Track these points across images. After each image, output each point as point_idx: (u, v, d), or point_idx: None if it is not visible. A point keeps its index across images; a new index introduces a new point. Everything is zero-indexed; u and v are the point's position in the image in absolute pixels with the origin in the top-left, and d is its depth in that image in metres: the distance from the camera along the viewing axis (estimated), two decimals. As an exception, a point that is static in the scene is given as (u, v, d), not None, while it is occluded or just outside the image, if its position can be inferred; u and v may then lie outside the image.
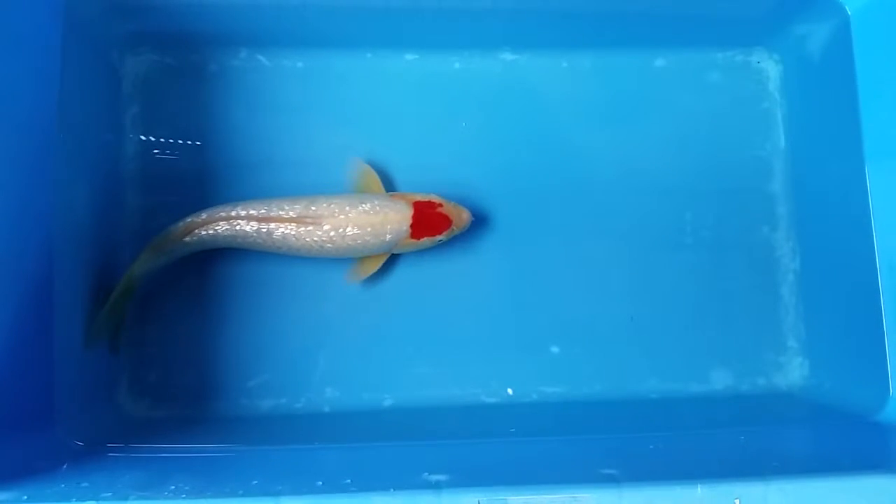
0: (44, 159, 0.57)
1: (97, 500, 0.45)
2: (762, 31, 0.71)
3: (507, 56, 0.71)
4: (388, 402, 0.66)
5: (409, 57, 0.71)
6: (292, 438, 0.62)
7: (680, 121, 0.72)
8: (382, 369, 0.67)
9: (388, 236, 0.62)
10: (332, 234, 0.61)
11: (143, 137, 0.68)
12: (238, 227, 0.62)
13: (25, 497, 0.45)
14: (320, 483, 0.46)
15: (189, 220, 0.62)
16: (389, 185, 0.68)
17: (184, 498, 0.45)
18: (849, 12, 0.65)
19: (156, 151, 0.68)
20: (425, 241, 0.63)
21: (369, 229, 0.61)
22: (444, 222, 0.63)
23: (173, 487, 0.46)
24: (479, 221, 0.69)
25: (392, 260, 0.67)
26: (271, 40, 0.69)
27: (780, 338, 0.70)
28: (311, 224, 0.61)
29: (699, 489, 0.45)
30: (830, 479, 0.46)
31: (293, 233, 0.61)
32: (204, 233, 0.62)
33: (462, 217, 0.64)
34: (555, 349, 0.68)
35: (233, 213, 0.62)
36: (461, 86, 0.71)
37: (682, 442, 0.59)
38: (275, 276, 0.67)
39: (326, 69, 0.70)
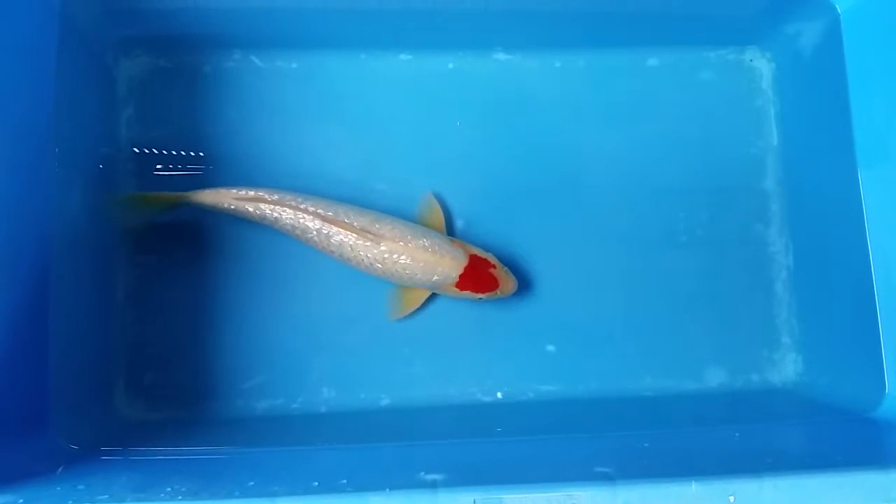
0: (39, 161, 0.57)
1: (93, 502, 0.45)
2: (754, 30, 0.72)
3: (501, 56, 0.71)
4: (384, 402, 0.67)
5: (403, 57, 0.71)
6: (289, 439, 0.62)
7: (673, 119, 0.72)
8: (379, 369, 0.67)
9: (436, 277, 0.63)
10: (385, 255, 0.62)
11: (137, 139, 0.68)
12: (301, 221, 0.62)
13: (21, 500, 0.45)
14: (316, 484, 0.46)
15: (261, 193, 0.63)
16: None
17: (180, 500, 0.45)
18: (839, 11, 0.65)
19: (150, 153, 0.68)
20: (466, 294, 0.64)
21: (421, 265, 0.62)
22: (491, 284, 0.64)
23: (169, 489, 0.46)
24: (476, 221, 0.69)
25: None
26: (265, 42, 0.69)
27: (774, 334, 0.70)
28: (371, 240, 0.62)
29: (694, 486, 0.46)
30: (825, 475, 0.47)
31: (351, 243, 0.62)
32: (269, 211, 0.63)
33: (508, 285, 0.65)
34: (550, 348, 0.68)
35: (301, 206, 0.62)
36: (455, 86, 0.71)
37: (677, 439, 0.59)
38: (271, 276, 0.67)
39: (320, 70, 0.70)
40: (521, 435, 0.62)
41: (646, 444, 0.56)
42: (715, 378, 0.69)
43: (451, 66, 0.71)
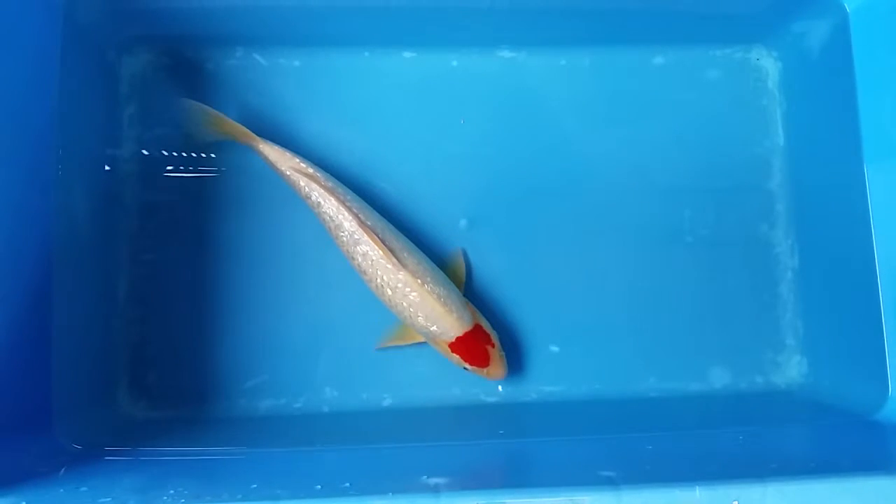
0: (42, 160, 0.57)
1: (96, 504, 0.45)
2: (761, 29, 0.71)
3: (506, 53, 0.71)
4: (387, 402, 0.66)
5: (406, 55, 0.70)
6: (291, 439, 0.62)
7: (679, 118, 0.71)
8: (382, 368, 0.67)
9: (434, 328, 0.62)
10: (399, 285, 0.61)
11: (140, 137, 0.67)
12: (339, 217, 0.62)
13: (24, 502, 0.45)
14: (319, 487, 0.46)
15: (318, 174, 0.63)
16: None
17: (183, 502, 0.45)
18: (848, 10, 0.64)
19: (153, 152, 0.67)
20: (455, 357, 0.63)
21: (427, 310, 0.61)
22: (483, 359, 0.63)
23: (172, 491, 0.46)
24: (480, 219, 0.69)
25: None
26: (268, 39, 0.69)
27: (779, 336, 0.70)
28: (393, 265, 0.61)
29: (698, 491, 0.45)
30: (829, 480, 0.46)
31: (374, 259, 0.62)
32: (316, 194, 0.63)
33: (497, 370, 0.63)
34: (554, 348, 0.68)
35: (346, 203, 0.62)
36: (459, 83, 0.70)
37: (681, 442, 0.59)
38: (274, 275, 0.67)
39: (324, 68, 0.70)
40: (525, 437, 0.62)
41: (649, 447, 0.56)
42: (719, 379, 0.69)
43: (455, 63, 0.71)
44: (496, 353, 0.63)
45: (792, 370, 0.69)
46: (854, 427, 0.60)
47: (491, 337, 0.63)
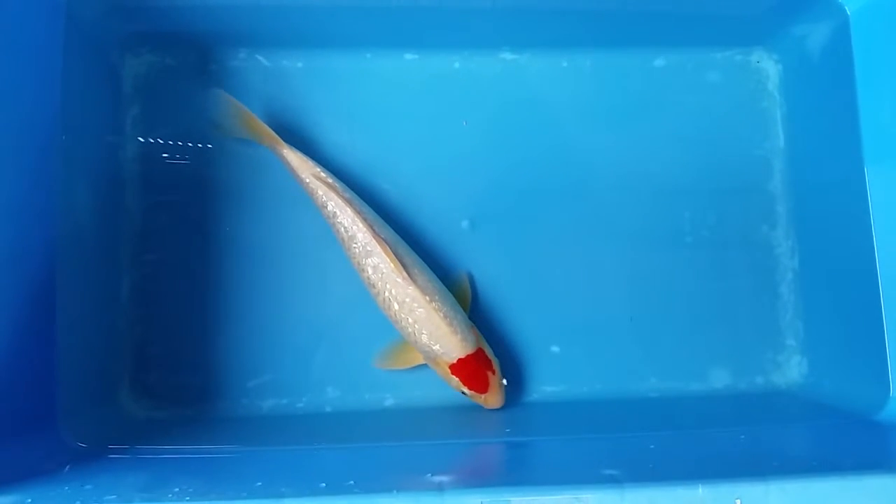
0: (45, 160, 0.57)
1: (101, 502, 0.45)
2: (761, 31, 0.72)
3: (507, 56, 0.71)
4: (389, 402, 0.67)
5: (408, 57, 0.71)
6: (294, 438, 0.62)
7: (679, 120, 0.72)
8: (383, 369, 0.67)
9: (437, 347, 0.62)
10: (407, 299, 0.61)
11: (143, 138, 0.68)
12: (355, 228, 0.63)
13: (29, 500, 0.45)
14: (323, 485, 0.46)
15: (336, 185, 0.64)
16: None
17: (188, 500, 0.45)
18: (848, 12, 0.65)
19: (156, 152, 0.68)
20: (454, 380, 0.63)
21: (432, 328, 0.61)
22: (482, 384, 0.62)
23: (177, 489, 0.46)
24: (482, 221, 0.69)
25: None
26: (271, 40, 0.69)
27: (779, 336, 0.70)
28: (403, 279, 0.61)
29: (700, 489, 0.45)
30: (831, 479, 0.46)
31: (384, 272, 0.62)
32: (332, 205, 0.63)
33: (495, 397, 0.63)
34: (555, 349, 0.68)
35: (361, 214, 0.63)
36: (461, 85, 0.71)
37: (683, 441, 0.59)
38: (276, 275, 0.67)
39: (326, 69, 0.70)
40: (527, 436, 0.62)
41: (652, 446, 0.56)
42: (720, 380, 0.69)
43: (457, 65, 0.71)
44: (496, 381, 0.63)
45: (792, 370, 0.70)
46: (855, 427, 0.60)
47: (492, 363, 0.63)
